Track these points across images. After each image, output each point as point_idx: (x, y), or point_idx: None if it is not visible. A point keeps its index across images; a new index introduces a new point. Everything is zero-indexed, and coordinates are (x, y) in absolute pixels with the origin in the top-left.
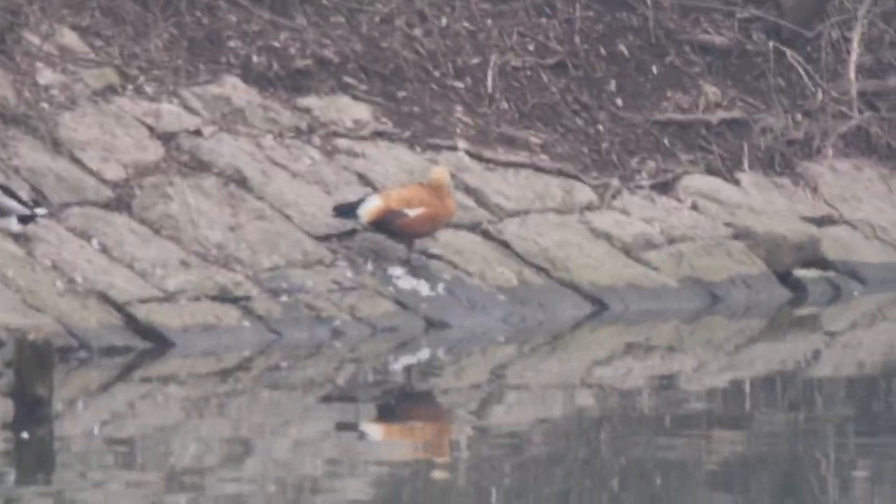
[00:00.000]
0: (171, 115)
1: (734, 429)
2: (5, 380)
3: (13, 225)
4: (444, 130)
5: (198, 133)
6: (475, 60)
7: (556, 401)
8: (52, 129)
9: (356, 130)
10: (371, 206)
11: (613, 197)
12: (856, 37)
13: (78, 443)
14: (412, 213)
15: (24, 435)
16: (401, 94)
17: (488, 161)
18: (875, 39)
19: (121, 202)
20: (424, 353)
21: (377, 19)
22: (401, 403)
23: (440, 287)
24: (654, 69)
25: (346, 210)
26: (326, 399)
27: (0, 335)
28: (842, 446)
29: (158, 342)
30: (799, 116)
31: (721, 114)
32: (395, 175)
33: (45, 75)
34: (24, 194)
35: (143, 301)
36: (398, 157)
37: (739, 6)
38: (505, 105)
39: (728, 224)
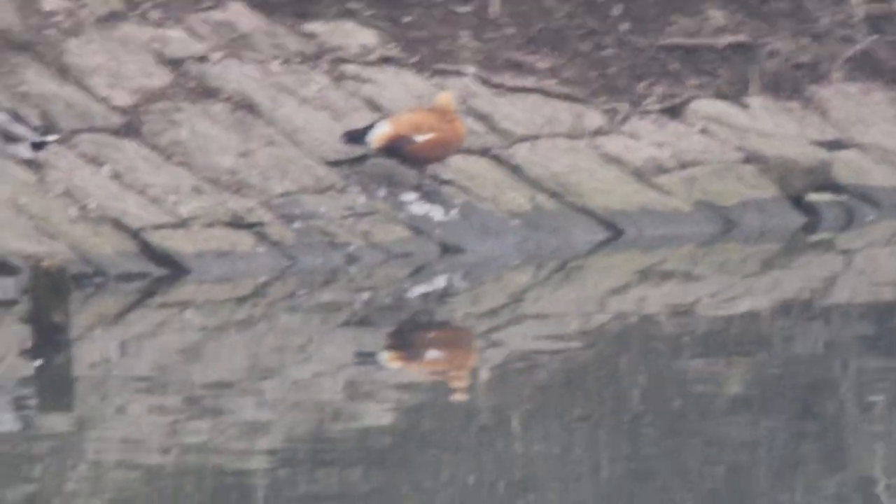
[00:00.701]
0: (177, 41)
1: (752, 354)
2: (22, 307)
3: (24, 151)
4: (451, 55)
5: (204, 59)
6: None
7: (572, 327)
8: (59, 56)
9: (363, 56)
10: (380, 132)
11: (622, 122)
12: None
13: (96, 369)
14: (421, 138)
15: (37, 362)
16: (406, 18)
17: (496, 86)
18: None
19: (130, 128)
20: (440, 279)
21: None
22: (418, 329)
23: (453, 212)
24: None
25: (356, 136)
26: (343, 325)
27: (15, 262)
28: (860, 369)
29: (173, 268)
30: (805, 40)
31: (727, 38)
32: (404, 100)
33: (50, 1)
34: (34, 121)
35: (157, 227)
36: (406, 82)
37: None
38: (511, 30)
39: (738, 148)
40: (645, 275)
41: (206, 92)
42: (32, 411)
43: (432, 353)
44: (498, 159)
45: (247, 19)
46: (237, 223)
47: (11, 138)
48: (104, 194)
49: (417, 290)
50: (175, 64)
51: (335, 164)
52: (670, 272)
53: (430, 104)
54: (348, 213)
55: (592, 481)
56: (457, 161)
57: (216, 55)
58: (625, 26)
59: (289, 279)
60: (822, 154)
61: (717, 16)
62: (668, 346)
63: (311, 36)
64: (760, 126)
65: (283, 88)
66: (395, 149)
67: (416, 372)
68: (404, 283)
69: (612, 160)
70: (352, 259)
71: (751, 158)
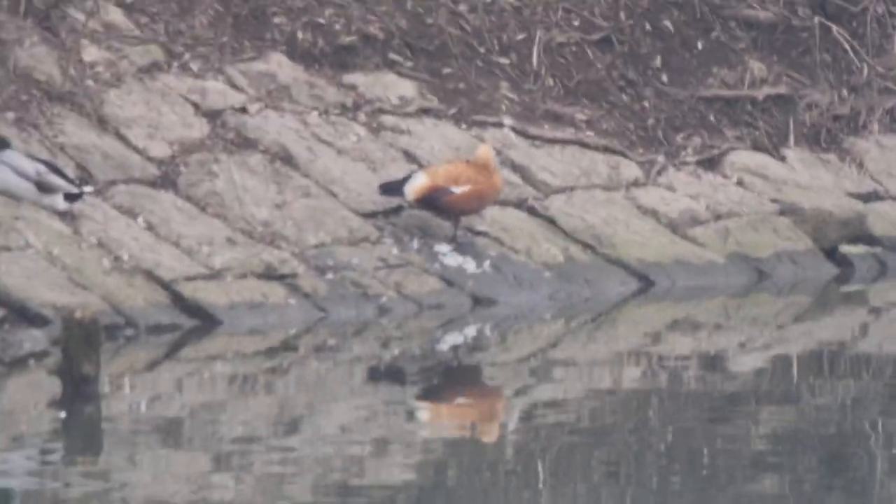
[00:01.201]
0: (216, 92)
1: (781, 406)
2: (53, 358)
3: (60, 203)
4: (490, 107)
5: (243, 110)
6: (520, 36)
7: (603, 378)
8: (98, 107)
9: (402, 107)
10: (417, 184)
11: (659, 173)
12: None
13: (125, 421)
14: (458, 190)
15: (66, 413)
16: (446, 70)
17: (534, 138)
18: None
19: (166, 179)
20: (471, 331)
21: None
22: (448, 381)
23: (486, 264)
24: (700, 45)
25: (393, 188)
26: (374, 377)
27: (47, 313)
28: (889, 423)
29: (205, 320)
30: (844, 92)
31: (767, 90)
32: (441, 152)
33: (91, 52)
34: (71, 172)
35: (190, 279)
36: (444, 133)
37: None
38: (550, 81)
39: (774, 200)
40: (676, 327)
41: (244, 143)
42: (60, 462)
43: (461, 406)
44: (533, 211)
45: (287, 71)
46: (270, 274)
47: (47, 189)
48: (138, 246)
49: (448, 342)
50: (214, 115)
51: (370, 215)
52: (702, 324)
53: (472, 157)
54: (381, 264)
55: None
56: (492, 212)
57: (255, 106)
58: (664, 78)
59: (320, 331)
60: (858, 206)
61: (756, 68)
62: (698, 399)
63: (350, 87)
64: (797, 178)
65: (320, 139)
66: (432, 200)
67: (445, 424)
68: (435, 334)
69: (648, 212)
70: (383, 311)
71: (786, 210)
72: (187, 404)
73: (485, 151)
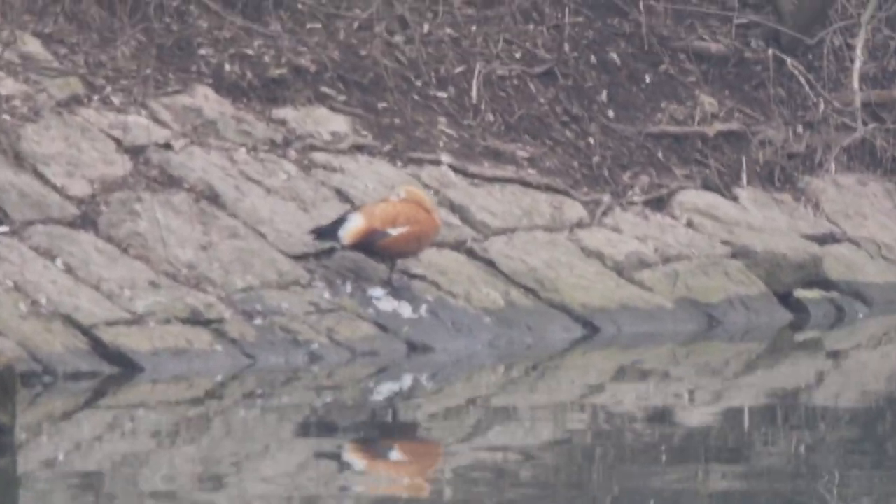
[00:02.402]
0: (139, 127)
1: (731, 460)
2: None
3: None
4: (427, 143)
5: (167, 146)
6: (459, 69)
7: (545, 430)
8: (14, 142)
9: (334, 143)
10: (353, 227)
11: (605, 213)
12: (859, 44)
13: (42, 473)
14: (395, 231)
15: None
16: (381, 104)
17: (473, 176)
18: (879, 47)
19: (86, 219)
20: (406, 379)
21: (356, 26)
22: (382, 433)
23: (423, 309)
24: (648, 78)
25: (326, 232)
26: (304, 428)
27: None
28: (845, 478)
29: (126, 367)
30: (800, 128)
31: (718, 126)
32: (375, 190)
33: (7, 85)
34: None
35: (110, 324)
36: (378, 171)
37: (737, 12)
38: (490, 116)
39: (725, 242)
40: (622, 375)
41: (169, 181)
42: None
43: (395, 461)
44: (472, 253)
45: (213, 105)
46: (195, 320)
47: None
48: (56, 289)
49: (382, 392)
50: (136, 151)
51: (301, 257)
52: (648, 372)
53: (400, 196)
54: (312, 309)
55: None
56: (429, 255)
57: (180, 142)
58: (610, 113)
59: (247, 379)
60: (813, 249)
61: (707, 102)
62: (643, 454)
63: (280, 122)
64: (749, 219)
65: (248, 178)
66: (368, 244)
67: (376, 480)
68: (369, 383)
69: (593, 254)
70: (315, 358)
71: (738, 253)
72: (107, 456)
73: (411, 189)
